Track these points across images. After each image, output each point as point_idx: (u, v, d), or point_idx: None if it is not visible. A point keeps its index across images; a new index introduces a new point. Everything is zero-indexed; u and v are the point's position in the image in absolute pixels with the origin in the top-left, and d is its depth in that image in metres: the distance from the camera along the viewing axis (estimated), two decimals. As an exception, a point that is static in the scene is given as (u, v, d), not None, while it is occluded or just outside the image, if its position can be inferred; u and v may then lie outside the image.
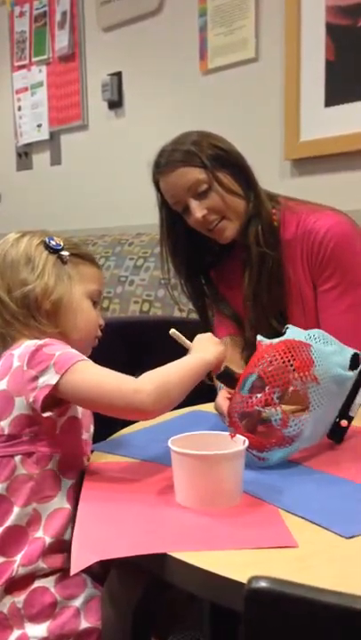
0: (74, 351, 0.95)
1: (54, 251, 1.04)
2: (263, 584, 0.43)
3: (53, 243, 1.04)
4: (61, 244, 1.05)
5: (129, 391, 0.91)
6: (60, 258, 1.04)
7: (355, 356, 1.04)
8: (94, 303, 1.09)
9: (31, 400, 0.91)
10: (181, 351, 1.06)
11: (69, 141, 3.24)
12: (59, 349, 0.93)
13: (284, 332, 1.04)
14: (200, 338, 1.07)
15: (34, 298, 0.99)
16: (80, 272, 1.07)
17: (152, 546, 0.72)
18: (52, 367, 0.91)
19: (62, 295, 1.01)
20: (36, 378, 0.91)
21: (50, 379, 0.90)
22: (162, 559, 0.71)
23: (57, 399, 0.93)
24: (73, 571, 0.71)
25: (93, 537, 0.77)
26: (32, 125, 3.41)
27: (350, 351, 1.05)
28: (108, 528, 0.79)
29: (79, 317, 1.04)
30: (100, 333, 1.10)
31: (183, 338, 1.07)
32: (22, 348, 0.95)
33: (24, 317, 1.00)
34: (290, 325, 1.06)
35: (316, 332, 1.03)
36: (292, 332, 1.03)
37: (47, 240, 1.04)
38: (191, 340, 1.07)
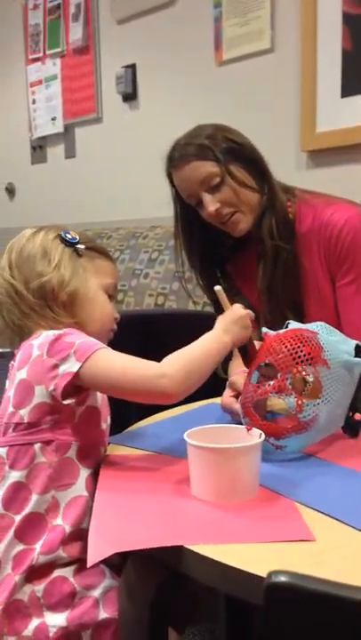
0: (94, 340, 0.96)
1: (70, 244, 1.06)
2: (283, 578, 0.43)
3: (69, 236, 1.06)
4: (77, 237, 1.07)
5: (153, 376, 0.92)
6: (76, 251, 1.06)
7: (358, 347, 1.04)
8: (110, 297, 1.10)
9: (51, 388, 0.92)
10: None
11: (84, 134, 3.24)
12: (79, 338, 0.95)
13: (286, 327, 1.04)
14: (232, 315, 1.04)
15: (50, 289, 1.01)
16: (96, 265, 1.08)
17: (168, 538, 0.72)
18: (72, 355, 0.92)
19: (78, 287, 1.03)
20: (56, 366, 0.92)
21: (71, 366, 0.91)
22: (178, 552, 0.71)
23: (77, 387, 0.94)
24: (90, 562, 0.71)
25: (110, 529, 0.78)
26: (46, 118, 3.41)
27: (353, 342, 1.05)
28: (125, 520, 0.79)
29: (95, 309, 1.05)
30: (115, 327, 1.11)
31: (225, 299, 1.06)
32: (42, 338, 0.96)
33: (41, 308, 1.01)
34: (291, 322, 1.06)
35: (318, 324, 1.04)
36: (295, 325, 1.04)
37: (63, 234, 1.06)
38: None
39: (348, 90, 2.06)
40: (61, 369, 0.92)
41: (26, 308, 1.02)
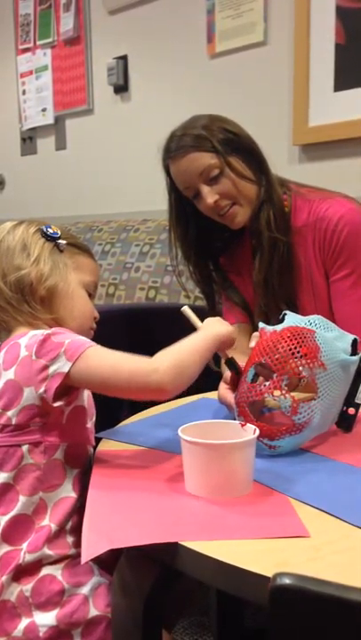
0: (83, 338, 0.95)
1: (51, 239, 1.05)
2: (287, 580, 0.42)
3: (50, 231, 1.05)
4: (58, 232, 1.06)
5: (146, 372, 0.90)
6: (57, 246, 1.05)
7: (355, 342, 1.04)
8: (89, 295, 1.09)
9: (42, 390, 0.91)
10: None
11: (74, 126, 3.22)
12: (67, 337, 0.93)
13: (282, 319, 1.03)
14: (210, 319, 1.06)
15: (28, 283, 1.00)
16: (76, 262, 1.07)
17: (163, 535, 0.72)
18: (62, 355, 0.90)
19: (57, 282, 1.02)
20: (46, 367, 0.91)
21: (61, 367, 0.90)
22: (173, 548, 0.71)
23: (67, 388, 0.92)
24: (84, 559, 0.70)
25: (104, 525, 0.77)
26: (37, 110, 3.38)
27: (350, 337, 1.04)
28: (119, 516, 0.78)
29: (74, 306, 1.04)
30: (94, 326, 1.10)
31: (194, 317, 1.06)
32: (29, 338, 0.95)
33: (17, 302, 1.00)
34: (287, 312, 1.05)
35: (315, 317, 1.03)
36: (292, 319, 1.03)
37: (44, 228, 1.05)
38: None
39: (340, 84, 2.06)
40: (51, 370, 0.90)
41: (2, 301, 1.00)
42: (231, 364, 1.07)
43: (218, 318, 1.07)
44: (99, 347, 0.94)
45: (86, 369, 0.90)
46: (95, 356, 0.91)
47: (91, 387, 0.96)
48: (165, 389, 0.91)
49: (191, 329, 1.05)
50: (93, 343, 0.94)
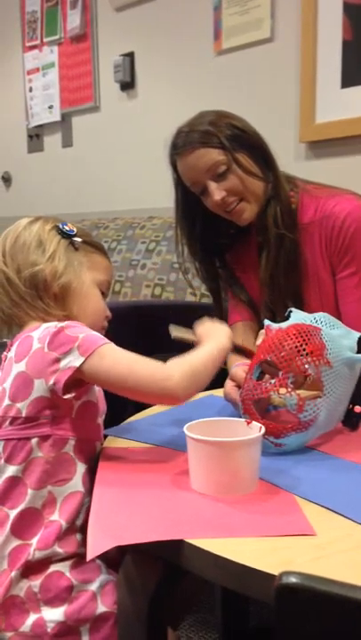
0: (97, 334, 0.95)
1: (67, 236, 1.04)
2: (294, 579, 0.42)
3: (67, 228, 1.05)
4: (74, 230, 1.06)
5: (160, 378, 0.91)
6: (72, 244, 1.05)
7: (360, 340, 1.03)
8: (102, 294, 1.09)
9: (52, 382, 0.91)
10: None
11: (81, 123, 3.22)
12: (82, 332, 0.93)
13: (288, 316, 1.03)
14: (205, 327, 1.06)
15: (42, 279, 1.00)
16: (91, 260, 1.07)
17: (168, 532, 0.72)
18: (75, 349, 0.91)
19: (71, 280, 1.02)
20: (57, 360, 0.91)
21: (73, 361, 0.90)
22: (178, 546, 0.71)
23: (77, 382, 0.92)
24: (89, 556, 0.70)
25: (109, 523, 0.77)
26: (43, 107, 3.38)
27: (356, 334, 1.04)
28: (124, 514, 0.78)
29: (87, 304, 1.04)
30: (106, 324, 1.10)
31: (186, 335, 1.06)
32: (42, 331, 0.95)
33: (31, 298, 1.00)
34: (293, 309, 1.05)
35: (320, 315, 1.03)
36: (297, 316, 1.03)
37: (60, 225, 1.05)
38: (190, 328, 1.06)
39: (348, 80, 2.05)
40: (63, 363, 0.90)
41: (16, 296, 1.00)
42: (238, 351, 1.06)
43: (211, 324, 1.06)
44: (113, 345, 0.94)
45: (99, 366, 0.91)
46: (109, 355, 0.92)
47: (101, 384, 0.95)
48: (177, 397, 0.92)
49: (195, 316, 1.05)
50: (107, 340, 0.95)
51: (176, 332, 1.07)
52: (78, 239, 1.05)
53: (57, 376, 0.90)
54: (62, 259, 1.02)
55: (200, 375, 0.95)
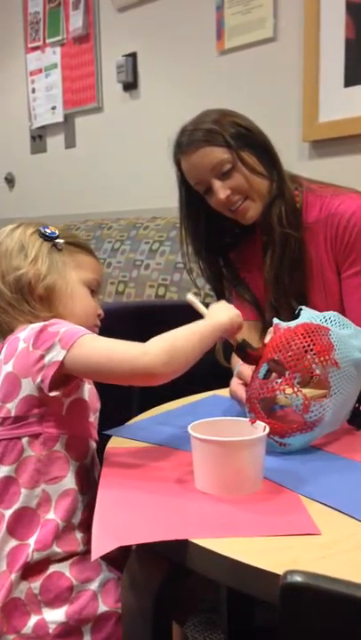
0: (79, 327, 0.95)
1: (49, 238, 1.06)
2: (298, 578, 0.42)
3: (48, 231, 1.06)
4: (56, 232, 1.07)
5: (137, 354, 0.89)
6: (55, 245, 1.06)
7: None
8: (92, 292, 1.09)
9: (38, 380, 0.91)
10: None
11: (84, 124, 3.22)
12: (63, 326, 0.94)
13: (298, 314, 1.02)
14: (215, 305, 1.06)
15: (27, 282, 1.01)
16: (76, 260, 1.08)
17: (173, 532, 0.72)
18: (57, 344, 0.91)
19: (56, 280, 1.03)
20: (42, 357, 0.91)
21: (56, 355, 0.90)
22: (183, 545, 0.70)
23: (64, 378, 0.92)
24: (94, 556, 0.70)
25: (114, 522, 0.77)
26: (46, 108, 3.39)
27: None
28: (129, 514, 0.78)
29: (75, 304, 1.05)
30: (99, 323, 1.10)
31: (199, 304, 1.05)
32: (27, 331, 0.96)
33: (18, 303, 1.01)
34: (303, 307, 1.04)
35: (331, 314, 1.02)
36: (307, 314, 1.02)
37: (42, 229, 1.06)
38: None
39: (351, 79, 2.04)
40: (47, 359, 0.91)
41: (4, 303, 1.02)
42: (242, 347, 1.05)
43: (224, 304, 1.06)
44: (94, 335, 0.95)
45: (79, 356, 0.90)
46: (88, 344, 0.91)
47: (84, 373, 0.95)
48: (155, 373, 0.89)
49: (198, 317, 1.04)
50: (88, 331, 0.95)
51: (192, 297, 1.06)
52: (60, 240, 1.06)
53: (43, 373, 0.91)
54: (45, 260, 1.03)
55: (182, 350, 0.92)
